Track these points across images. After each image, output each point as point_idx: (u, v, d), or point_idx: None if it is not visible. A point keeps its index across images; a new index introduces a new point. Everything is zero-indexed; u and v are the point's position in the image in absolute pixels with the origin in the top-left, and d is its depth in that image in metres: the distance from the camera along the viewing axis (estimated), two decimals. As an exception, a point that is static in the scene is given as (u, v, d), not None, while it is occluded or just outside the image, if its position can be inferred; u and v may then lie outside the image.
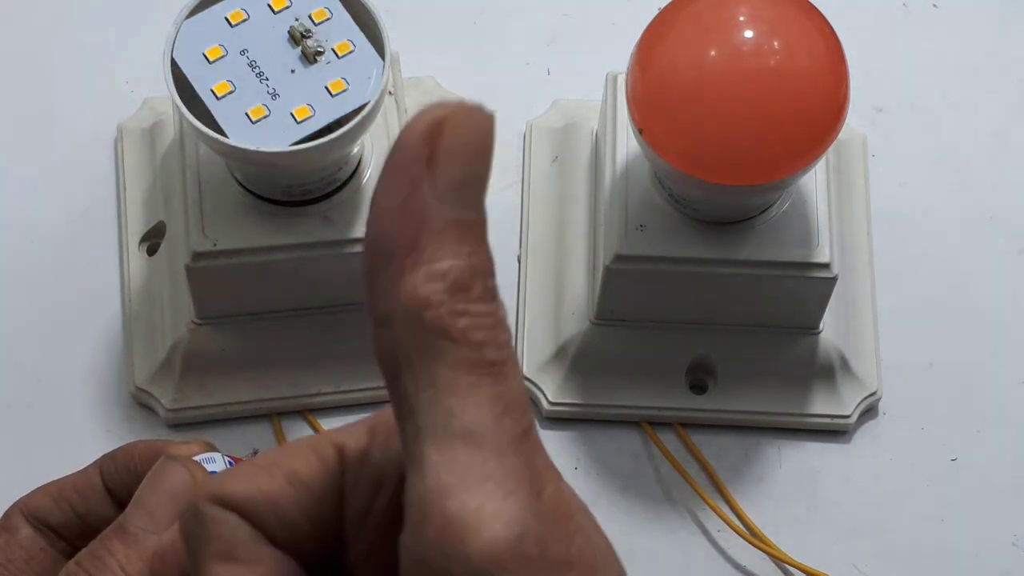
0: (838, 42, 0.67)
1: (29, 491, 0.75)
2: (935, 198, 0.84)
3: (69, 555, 0.52)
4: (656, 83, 0.67)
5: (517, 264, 0.81)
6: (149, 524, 0.50)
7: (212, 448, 0.54)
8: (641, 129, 0.68)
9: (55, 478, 0.76)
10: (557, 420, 0.78)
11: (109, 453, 0.55)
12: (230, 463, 0.53)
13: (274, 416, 0.77)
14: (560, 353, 0.78)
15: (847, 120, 0.68)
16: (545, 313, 0.79)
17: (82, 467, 0.76)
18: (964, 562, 0.76)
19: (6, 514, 0.54)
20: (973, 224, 0.83)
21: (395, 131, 0.74)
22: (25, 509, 0.54)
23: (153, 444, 0.54)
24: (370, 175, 0.73)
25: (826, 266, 0.73)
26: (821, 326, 0.77)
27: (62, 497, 0.54)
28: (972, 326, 0.81)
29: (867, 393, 0.78)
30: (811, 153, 0.67)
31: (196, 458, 0.52)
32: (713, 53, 0.66)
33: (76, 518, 0.54)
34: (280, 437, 0.77)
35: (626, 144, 0.74)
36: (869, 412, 0.79)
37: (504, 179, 0.83)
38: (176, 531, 0.49)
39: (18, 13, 0.86)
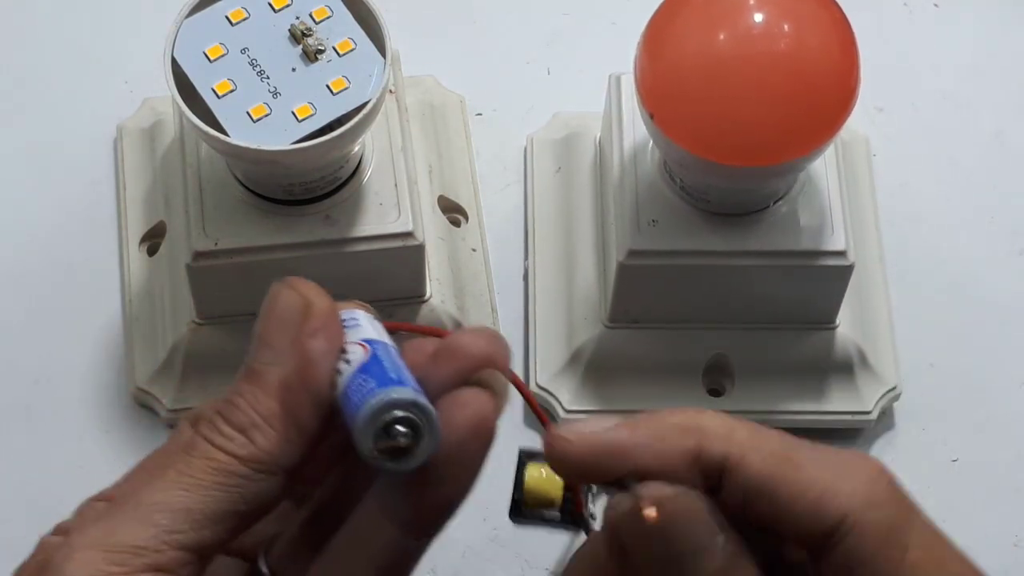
0: (848, 23, 0.67)
1: (36, 487, 0.76)
2: (935, 198, 0.84)
3: None
4: (666, 66, 0.67)
5: (524, 277, 0.81)
6: (270, 357, 0.47)
7: (361, 307, 0.51)
8: (652, 114, 0.68)
9: (55, 478, 0.76)
10: (574, 429, 0.78)
11: None
12: (374, 320, 0.50)
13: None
14: (574, 359, 0.77)
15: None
16: (557, 320, 0.79)
17: (83, 468, 0.77)
18: (964, 562, 0.76)
19: (180, 423, 0.50)
20: (973, 224, 0.83)
21: (396, 129, 0.74)
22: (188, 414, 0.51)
23: None
24: (371, 173, 0.73)
25: (842, 253, 0.72)
26: (838, 320, 0.76)
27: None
28: (972, 326, 0.81)
29: (887, 388, 0.78)
30: (824, 132, 0.67)
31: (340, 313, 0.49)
32: (723, 35, 0.66)
33: None
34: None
35: (632, 140, 0.74)
36: (890, 410, 0.78)
37: (504, 178, 0.83)
38: (299, 357, 0.47)
39: (18, 13, 0.86)
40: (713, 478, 0.47)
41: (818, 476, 0.46)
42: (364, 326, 0.49)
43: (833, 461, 0.47)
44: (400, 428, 0.45)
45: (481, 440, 0.46)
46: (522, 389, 0.53)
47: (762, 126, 0.66)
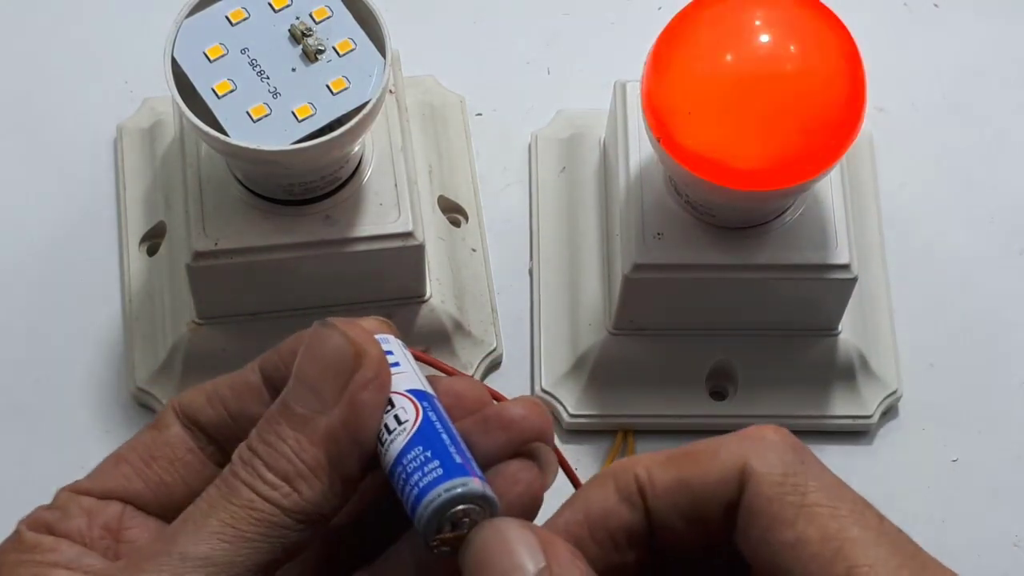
0: (854, 45, 0.67)
1: (35, 487, 0.76)
2: (935, 198, 0.84)
3: (218, 460, 0.49)
4: (673, 91, 0.67)
5: (529, 277, 0.81)
6: (315, 403, 0.46)
7: (388, 328, 0.49)
8: (659, 138, 0.68)
9: (55, 479, 0.76)
10: (578, 433, 0.78)
11: (274, 347, 0.49)
12: (404, 349, 0.48)
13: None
14: (579, 365, 0.77)
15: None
16: (561, 325, 0.79)
17: (83, 468, 0.76)
18: (964, 563, 0.76)
19: (162, 411, 0.50)
20: (973, 224, 0.83)
21: (396, 129, 0.74)
22: (178, 406, 0.50)
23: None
24: (371, 173, 0.73)
25: (846, 267, 0.73)
26: (840, 327, 0.76)
27: (215, 394, 0.50)
28: (973, 326, 0.81)
29: (888, 392, 0.78)
30: (831, 156, 0.67)
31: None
32: (730, 59, 0.66)
33: (228, 418, 0.49)
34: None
35: (638, 152, 0.74)
36: (890, 411, 0.78)
37: (504, 178, 0.83)
38: (349, 409, 0.46)
39: (18, 13, 0.86)
40: (640, 505, 0.47)
41: (715, 448, 0.47)
42: (404, 368, 0.48)
43: (728, 436, 0.48)
44: (465, 520, 0.45)
45: (528, 516, 0.47)
46: (562, 461, 0.52)
47: (770, 152, 0.66)
